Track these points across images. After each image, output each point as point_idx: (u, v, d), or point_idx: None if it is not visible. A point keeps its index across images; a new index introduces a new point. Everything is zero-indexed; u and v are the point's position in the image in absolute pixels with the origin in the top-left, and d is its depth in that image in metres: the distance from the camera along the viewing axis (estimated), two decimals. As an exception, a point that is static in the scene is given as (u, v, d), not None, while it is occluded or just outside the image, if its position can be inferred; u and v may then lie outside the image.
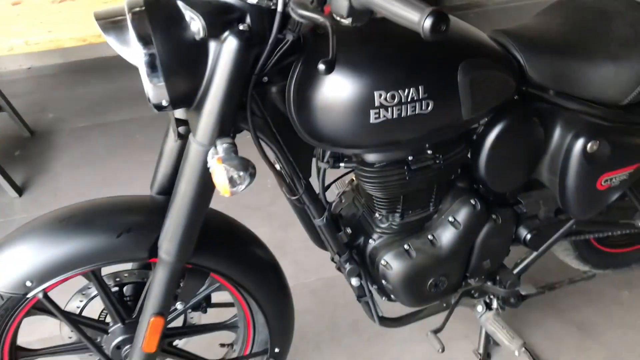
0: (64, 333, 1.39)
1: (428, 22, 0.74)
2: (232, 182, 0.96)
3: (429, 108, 1.08)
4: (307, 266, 2.05)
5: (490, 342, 1.71)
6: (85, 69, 3.39)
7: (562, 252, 1.79)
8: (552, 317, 1.83)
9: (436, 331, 1.51)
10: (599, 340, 1.75)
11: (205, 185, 1.08)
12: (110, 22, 0.99)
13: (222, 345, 1.54)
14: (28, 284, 1.15)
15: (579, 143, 1.30)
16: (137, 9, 0.97)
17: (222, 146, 1.00)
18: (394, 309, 1.55)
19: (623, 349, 1.73)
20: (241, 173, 0.96)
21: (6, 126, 2.75)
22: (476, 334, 1.73)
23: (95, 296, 1.36)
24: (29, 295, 1.17)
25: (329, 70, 0.86)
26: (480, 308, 1.50)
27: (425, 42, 1.06)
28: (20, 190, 2.45)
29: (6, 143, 2.71)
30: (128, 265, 1.36)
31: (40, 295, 1.18)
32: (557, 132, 1.33)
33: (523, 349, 1.69)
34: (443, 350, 1.50)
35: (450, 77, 1.09)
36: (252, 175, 0.99)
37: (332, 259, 1.50)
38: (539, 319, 1.81)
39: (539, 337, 1.76)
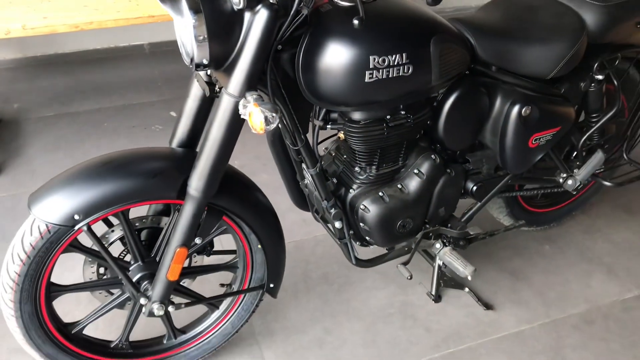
0: (86, 274, 1.59)
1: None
2: (266, 121, 1.22)
3: (410, 71, 1.40)
4: (279, 232, 2.31)
5: (440, 286, 2.04)
6: (45, 63, 3.51)
7: (497, 210, 2.15)
8: (490, 267, 2.18)
9: (405, 263, 1.82)
10: (527, 283, 2.12)
11: (233, 130, 1.33)
12: (167, -5, 1.24)
13: (222, 285, 1.78)
14: (76, 217, 1.36)
15: (516, 109, 1.65)
16: (189, -15, 1.22)
17: (252, 96, 1.26)
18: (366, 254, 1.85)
19: (545, 289, 2.10)
20: (273, 114, 1.23)
21: (-25, 114, 2.86)
22: (429, 281, 2.06)
23: (114, 241, 1.57)
24: (76, 227, 1.37)
25: (361, 24, 1.16)
26: (438, 245, 1.82)
27: (408, 19, 1.39)
28: (-3, 171, 2.58)
29: (-24, 130, 2.81)
30: (142, 213, 1.59)
31: (85, 228, 1.38)
32: (498, 101, 1.68)
33: (467, 289, 2.04)
34: (411, 277, 1.81)
35: (426, 48, 1.41)
36: (280, 118, 1.26)
37: (315, 212, 1.78)
38: (479, 269, 2.14)
39: (479, 283, 2.10)
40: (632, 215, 2.46)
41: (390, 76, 1.38)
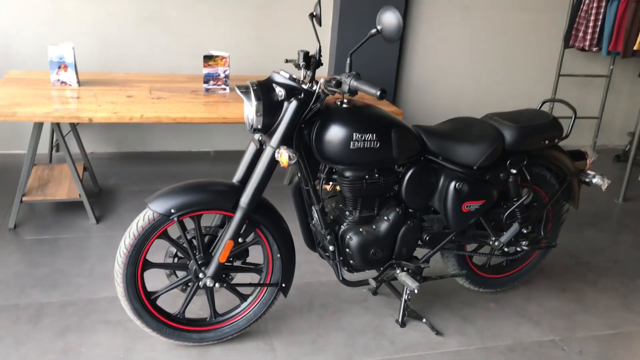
0: (166, 258, 2.47)
1: (379, 92, 2.03)
2: (289, 158, 2.16)
3: (378, 145, 2.34)
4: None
5: (405, 315, 2.81)
6: (134, 157, 4.62)
7: (452, 270, 2.96)
8: (446, 312, 2.94)
9: (375, 279, 2.65)
10: (471, 323, 2.86)
11: (270, 168, 2.28)
12: (243, 89, 2.26)
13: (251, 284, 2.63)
14: (172, 210, 2.28)
15: (452, 183, 2.56)
16: (255, 85, 2.24)
17: (283, 147, 2.22)
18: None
19: (484, 329, 2.83)
20: (293, 154, 2.17)
21: (86, 182, 3.89)
22: (398, 313, 2.83)
23: (189, 239, 2.46)
24: (171, 217, 2.29)
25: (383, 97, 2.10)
26: (399, 270, 2.64)
27: (379, 116, 2.37)
28: (97, 220, 3.55)
29: (86, 193, 3.82)
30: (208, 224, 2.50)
31: (176, 219, 2.30)
32: (442, 178, 2.59)
33: (425, 320, 2.81)
34: (375, 290, 2.62)
35: (388, 133, 2.36)
36: (298, 163, 2.21)
37: (319, 244, 2.65)
38: (438, 313, 2.92)
39: (436, 319, 2.86)
40: (564, 292, 3.21)
41: (365, 147, 2.33)
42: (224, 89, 3.73)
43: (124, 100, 3.40)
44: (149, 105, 3.32)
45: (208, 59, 3.63)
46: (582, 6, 5.08)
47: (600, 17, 5.01)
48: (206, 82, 3.68)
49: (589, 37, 5.07)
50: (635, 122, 5.70)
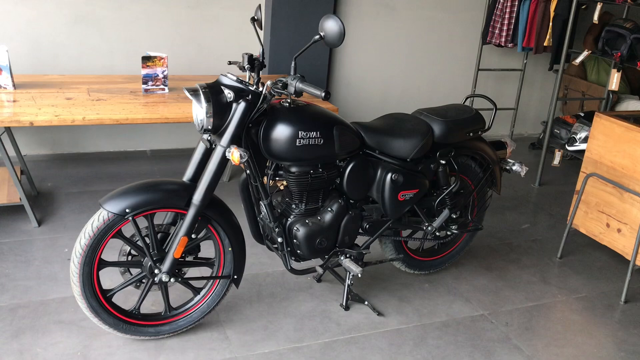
0: (121, 256, 2.55)
1: (323, 94, 2.20)
2: (241, 156, 2.30)
3: (322, 142, 2.52)
4: (241, 268, 3.29)
5: (349, 299, 3.01)
6: (70, 158, 4.59)
7: (389, 254, 3.18)
8: (385, 294, 3.16)
9: (321, 266, 2.82)
10: (409, 304, 3.10)
11: (220, 167, 2.41)
12: (192, 91, 2.37)
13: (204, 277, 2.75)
14: (127, 210, 2.37)
15: (389, 175, 2.77)
16: (204, 87, 2.36)
17: (233, 146, 2.35)
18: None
19: (421, 307, 3.08)
20: (244, 153, 2.31)
21: (24, 185, 3.85)
22: (342, 297, 3.03)
23: (142, 237, 2.55)
24: (126, 217, 2.37)
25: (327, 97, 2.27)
26: (343, 257, 2.83)
27: (322, 114, 2.56)
28: (39, 223, 3.54)
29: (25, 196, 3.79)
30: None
31: (130, 219, 2.38)
32: (379, 170, 2.80)
33: (367, 302, 3.02)
34: (319, 278, 2.81)
35: (330, 130, 2.54)
36: (248, 162, 2.35)
37: (267, 237, 2.80)
38: (378, 295, 3.14)
39: (376, 301, 3.08)
40: (490, 271, 3.51)
41: (310, 144, 2.50)
42: (163, 89, 3.80)
43: (64, 102, 3.42)
44: (89, 107, 3.36)
45: (147, 59, 3.69)
46: (497, 5, 5.44)
47: (514, 15, 5.38)
48: (145, 82, 3.73)
49: (504, 34, 5.44)
50: (548, 112, 6.16)
